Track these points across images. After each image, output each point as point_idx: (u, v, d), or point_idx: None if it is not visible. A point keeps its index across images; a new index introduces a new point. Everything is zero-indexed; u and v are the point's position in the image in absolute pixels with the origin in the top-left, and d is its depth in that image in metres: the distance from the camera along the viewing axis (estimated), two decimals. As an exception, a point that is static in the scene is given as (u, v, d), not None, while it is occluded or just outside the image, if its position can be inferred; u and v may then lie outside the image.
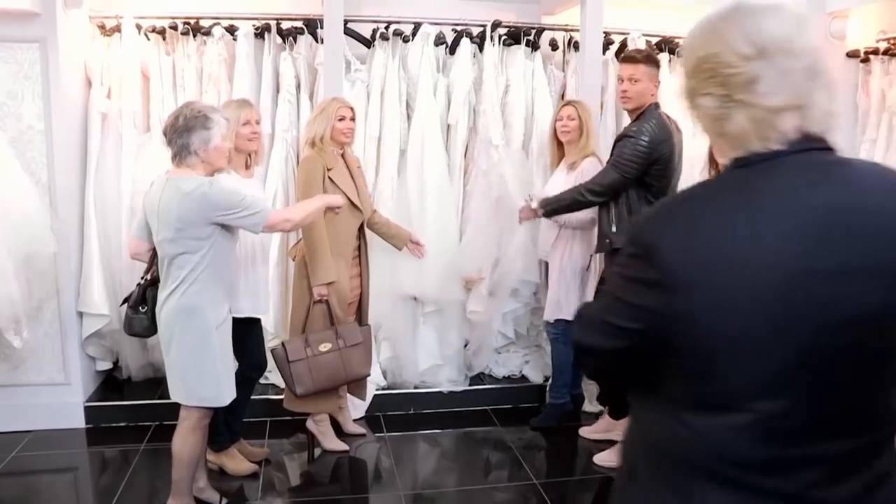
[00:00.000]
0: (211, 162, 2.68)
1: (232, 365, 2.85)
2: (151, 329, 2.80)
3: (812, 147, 1.07)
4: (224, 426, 3.35)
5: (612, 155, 3.42)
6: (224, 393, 2.78)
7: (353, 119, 3.47)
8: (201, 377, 2.71)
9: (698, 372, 1.06)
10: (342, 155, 3.50)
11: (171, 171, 2.70)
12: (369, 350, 3.60)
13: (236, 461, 3.39)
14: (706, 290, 1.03)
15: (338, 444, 3.67)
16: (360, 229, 3.60)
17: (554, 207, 3.51)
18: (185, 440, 2.79)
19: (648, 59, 3.39)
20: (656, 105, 3.39)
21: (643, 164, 3.27)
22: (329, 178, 3.36)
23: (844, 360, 1.03)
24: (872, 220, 1.03)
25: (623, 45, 4.39)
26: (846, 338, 1.02)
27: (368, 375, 3.62)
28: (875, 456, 1.09)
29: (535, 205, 3.56)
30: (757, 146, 1.07)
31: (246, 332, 3.24)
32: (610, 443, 3.61)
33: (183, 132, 2.61)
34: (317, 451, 3.64)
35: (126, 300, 2.91)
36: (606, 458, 3.50)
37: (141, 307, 2.82)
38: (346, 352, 3.42)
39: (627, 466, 1.25)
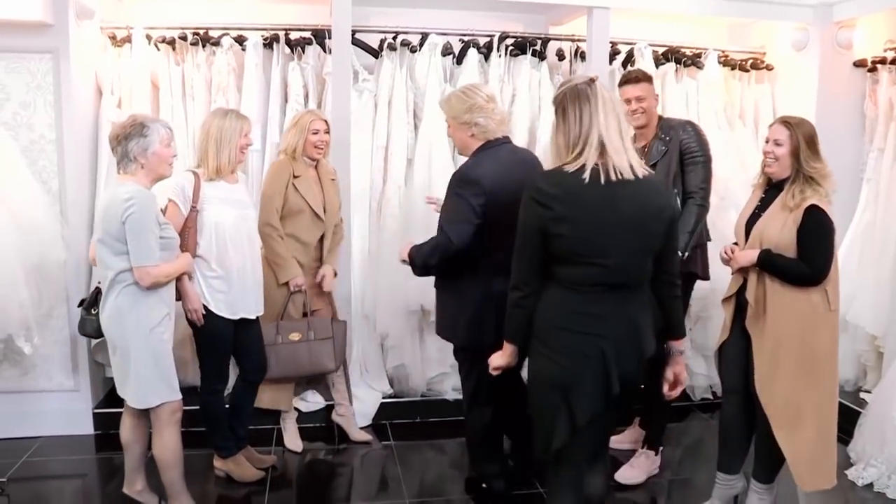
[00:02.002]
0: (153, 168, 2.76)
1: (171, 368, 2.85)
2: (100, 331, 2.85)
3: (507, 140, 2.96)
4: (229, 432, 3.37)
5: (670, 158, 3.42)
6: (149, 394, 2.80)
7: (327, 132, 3.57)
8: (125, 378, 2.80)
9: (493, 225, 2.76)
10: (316, 166, 3.60)
11: (119, 177, 2.80)
12: (340, 346, 3.68)
13: (242, 468, 3.41)
14: (495, 192, 2.76)
15: (296, 445, 3.74)
16: (322, 241, 3.65)
17: (687, 240, 3.34)
18: (164, 443, 2.86)
19: (646, 76, 3.49)
20: (660, 117, 3.55)
21: (709, 148, 3.45)
22: (293, 185, 3.48)
23: (509, 212, 2.34)
24: (527, 164, 2.90)
25: (629, 55, 4.41)
26: (511, 205, 2.36)
27: (334, 370, 3.71)
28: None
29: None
30: (497, 135, 2.89)
31: (241, 334, 3.27)
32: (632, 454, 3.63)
33: (122, 140, 2.72)
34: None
35: (82, 302, 2.99)
36: (628, 475, 3.47)
37: (92, 309, 2.89)
38: (314, 344, 3.57)
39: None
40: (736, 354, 2.93)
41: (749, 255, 2.81)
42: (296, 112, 4.03)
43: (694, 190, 3.39)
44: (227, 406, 3.40)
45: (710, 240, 3.58)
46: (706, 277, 3.54)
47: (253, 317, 3.32)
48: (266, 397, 3.65)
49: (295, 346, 3.54)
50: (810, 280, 2.71)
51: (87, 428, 3.87)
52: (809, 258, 2.69)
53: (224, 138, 3.15)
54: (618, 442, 3.80)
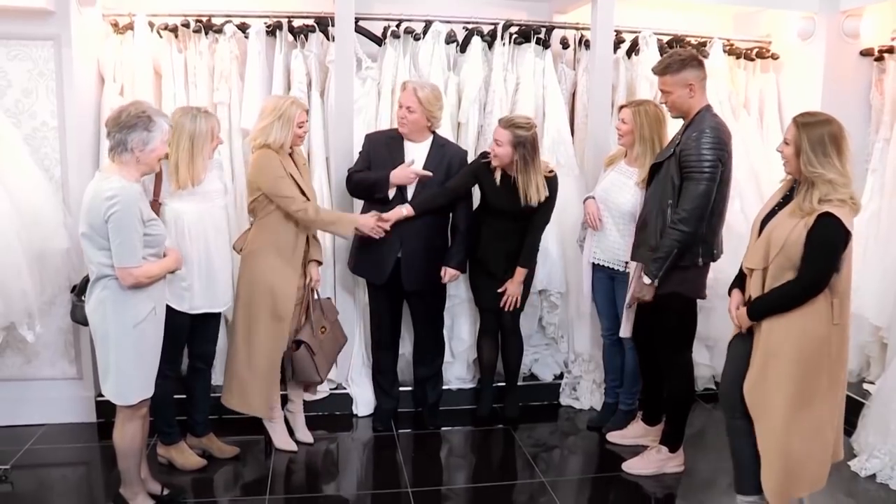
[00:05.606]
0: (146, 162, 2.70)
1: (152, 364, 2.82)
2: None
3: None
4: (174, 419, 3.35)
5: (673, 170, 3.19)
6: (128, 391, 2.77)
7: (307, 121, 3.60)
8: (106, 371, 2.76)
9: None
10: (290, 154, 3.52)
11: (106, 166, 2.74)
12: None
13: (185, 455, 3.40)
14: None
15: (288, 444, 3.66)
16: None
17: (660, 266, 3.18)
18: (123, 431, 2.84)
19: (668, 68, 3.23)
20: (707, 108, 3.23)
21: (718, 163, 3.10)
22: (288, 174, 3.42)
23: None
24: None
25: (634, 43, 4.38)
26: None
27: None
28: None
29: (647, 280, 3.23)
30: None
31: (199, 325, 3.26)
32: (638, 449, 3.61)
33: (123, 128, 2.63)
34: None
35: (74, 288, 2.98)
36: (636, 466, 3.47)
37: (82, 296, 2.87)
38: (334, 326, 3.69)
39: None
40: (735, 358, 2.82)
41: (743, 318, 2.73)
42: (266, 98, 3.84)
43: (678, 211, 3.13)
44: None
45: (713, 259, 3.33)
46: (701, 297, 3.36)
47: (218, 311, 3.29)
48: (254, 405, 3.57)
49: (328, 336, 3.62)
50: (804, 294, 2.55)
51: (90, 416, 3.88)
52: (805, 267, 2.54)
53: (197, 147, 3.08)
54: (620, 437, 3.80)
